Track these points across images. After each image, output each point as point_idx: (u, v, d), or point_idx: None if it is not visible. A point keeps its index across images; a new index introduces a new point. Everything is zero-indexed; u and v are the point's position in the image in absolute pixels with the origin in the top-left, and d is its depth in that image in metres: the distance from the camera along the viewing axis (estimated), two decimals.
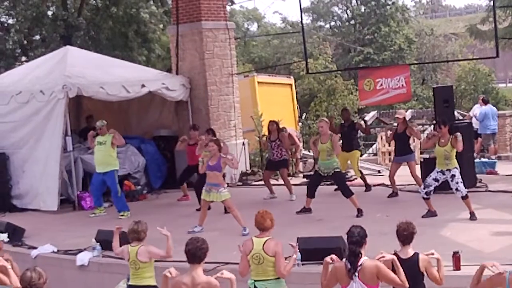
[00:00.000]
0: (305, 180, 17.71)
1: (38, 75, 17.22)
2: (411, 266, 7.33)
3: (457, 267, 9.21)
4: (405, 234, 7.50)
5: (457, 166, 12.41)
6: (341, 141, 15.27)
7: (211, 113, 18.80)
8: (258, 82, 22.88)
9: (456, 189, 12.38)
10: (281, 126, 16.53)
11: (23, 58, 33.31)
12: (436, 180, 12.49)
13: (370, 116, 30.15)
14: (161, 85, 17.94)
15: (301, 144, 20.88)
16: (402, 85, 16.49)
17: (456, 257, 9.23)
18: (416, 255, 7.42)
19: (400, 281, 7.12)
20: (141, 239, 9.03)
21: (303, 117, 30.59)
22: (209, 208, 13.00)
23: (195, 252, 7.22)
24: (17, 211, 16.30)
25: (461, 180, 12.35)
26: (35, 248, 12.42)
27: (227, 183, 13.66)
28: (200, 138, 14.65)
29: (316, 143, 13.61)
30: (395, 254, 7.42)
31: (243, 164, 19.17)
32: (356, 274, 7.05)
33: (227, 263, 9.90)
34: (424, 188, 12.64)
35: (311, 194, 13.75)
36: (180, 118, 19.00)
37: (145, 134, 19.17)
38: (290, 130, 19.04)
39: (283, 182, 15.99)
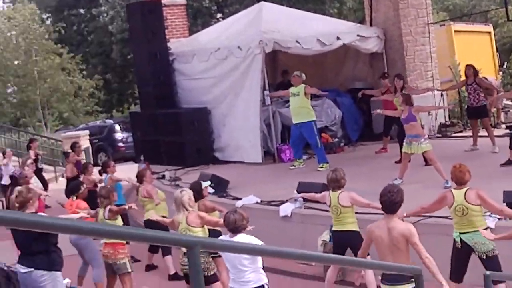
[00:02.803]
0: (508, 131, 17.01)
1: (235, 32, 17.66)
2: None
3: None
4: None
5: None
6: None
7: (407, 64, 18.45)
8: (455, 31, 22.13)
9: None
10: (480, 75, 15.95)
11: (219, 15, 34.26)
12: None
13: None
14: (355, 37, 17.82)
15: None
16: None
17: None
18: None
19: None
20: (341, 186, 9.20)
21: (504, 65, 29.30)
22: (409, 161, 12.85)
23: (389, 204, 7.16)
24: (219, 163, 16.92)
25: None
26: (239, 199, 12.85)
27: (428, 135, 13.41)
28: (386, 84, 14.60)
29: None
30: None
31: (442, 115, 18.71)
32: None
33: (430, 217, 9.73)
34: None
35: None
36: (375, 70, 18.81)
37: (341, 86, 19.19)
38: (490, 79, 18.31)
39: (486, 134, 15.46)
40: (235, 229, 7.49)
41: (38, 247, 8.29)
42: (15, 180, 11.38)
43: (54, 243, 8.48)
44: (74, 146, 17.06)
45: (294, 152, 15.72)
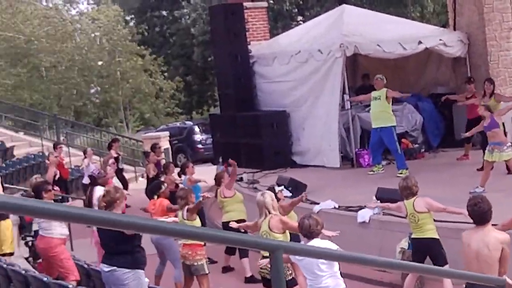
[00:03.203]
0: None
1: (316, 35, 17.61)
2: None
3: None
4: None
5: None
6: None
7: (490, 70, 18.03)
8: None
9: None
10: None
11: (299, 18, 34.27)
12: None
13: None
14: (438, 41, 17.54)
15: None
16: None
17: None
18: None
19: None
20: (414, 193, 9.11)
21: None
22: (491, 168, 12.57)
23: (482, 215, 7.07)
24: (297, 167, 16.90)
25: None
26: (317, 203, 12.80)
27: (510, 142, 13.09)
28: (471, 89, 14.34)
29: None
30: None
31: None
32: None
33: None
34: None
35: None
36: (457, 75, 18.47)
37: (422, 91, 18.90)
38: None
39: None
40: (309, 234, 7.47)
41: (124, 247, 8.41)
42: (94, 179, 11.60)
43: (138, 243, 8.60)
44: (155, 147, 17.30)
45: (373, 157, 15.58)
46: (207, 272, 10.26)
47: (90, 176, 11.88)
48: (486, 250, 6.96)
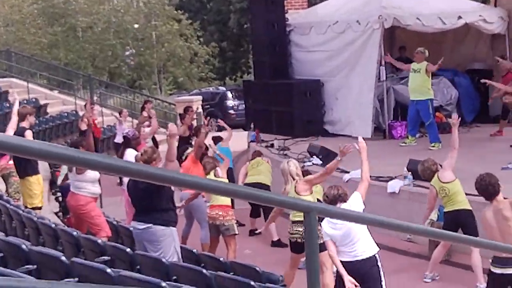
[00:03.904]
0: None
1: (355, 6, 17.48)
2: None
3: None
4: None
5: None
6: None
7: None
8: None
9: None
10: None
11: None
12: None
13: None
14: (478, 17, 17.32)
15: None
16: None
17: None
18: None
19: None
20: (435, 171, 9.43)
21: None
22: None
23: (485, 189, 7.22)
24: (329, 136, 16.89)
25: None
26: (347, 172, 12.80)
27: None
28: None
29: None
30: None
31: None
32: None
33: None
34: None
35: None
36: (495, 52, 18.22)
37: (458, 66, 18.71)
38: None
39: None
40: (335, 200, 7.51)
41: (158, 204, 8.52)
42: (128, 140, 11.70)
43: (171, 201, 8.70)
44: (187, 110, 17.36)
45: (410, 128, 15.45)
46: (236, 232, 10.36)
47: (124, 137, 11.96)
48: (503, 221, 7.02)
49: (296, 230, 8.86)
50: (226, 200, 10.24)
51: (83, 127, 16.50)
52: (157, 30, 38.42)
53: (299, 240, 8.85)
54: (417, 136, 15.63)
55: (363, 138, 8.46)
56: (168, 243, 8.49)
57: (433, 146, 14.57)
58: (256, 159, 12.80)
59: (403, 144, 15.29)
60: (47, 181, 14.82)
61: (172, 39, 38.40)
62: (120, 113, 18.77)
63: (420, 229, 5.47)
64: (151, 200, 8.47)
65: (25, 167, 11.25)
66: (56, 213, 12.72)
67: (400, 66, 16.08)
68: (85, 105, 18.28)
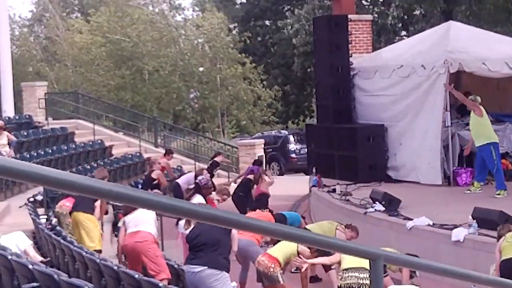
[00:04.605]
0: None
1: (420, 50, 17.37)
2: None
3: None
4: None
5: None
6: None
7: None
8: None
9: None
10: None
11: (403, 33, 33.95)
12: None
13: None
14: None
15: None
16: None
17: None
18: None
19: None
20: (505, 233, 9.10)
21: None
22: None
23: None
24: (392, 182, 16.66)
25: None
26: (410, 219, 12.57)
27: None
28: None
29: None
30: None
31: None
32: None
33: None
34: None
35: None
36: None
37: None
38: None
39: None
40: None
41: (218, 248, 8.52)
42: (198, 187, 11.85)
43: (229, 248, 8.69)
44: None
45: (477, 174, 15.16)
46: (281, 282, 10.12)
47: (195, 183, 12.24)
48: None
49: (350, 276, 8.80)
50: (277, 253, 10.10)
51: (155, 175, 16.91)
52: (222, 73, 38.80)
53: (354, 286, 8.79)
54: (482, 183, 15.28)
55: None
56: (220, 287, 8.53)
57: (498, 194, 14.23)
58: None
59: (468, 192, 14.97)
60: (110, 223, 14.95)
61: (236, 82, 38.72)
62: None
63: (484, 278, 5.26)
64: (215, 242, 8.54)
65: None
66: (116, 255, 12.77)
67: (458, 96, 15.84)
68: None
